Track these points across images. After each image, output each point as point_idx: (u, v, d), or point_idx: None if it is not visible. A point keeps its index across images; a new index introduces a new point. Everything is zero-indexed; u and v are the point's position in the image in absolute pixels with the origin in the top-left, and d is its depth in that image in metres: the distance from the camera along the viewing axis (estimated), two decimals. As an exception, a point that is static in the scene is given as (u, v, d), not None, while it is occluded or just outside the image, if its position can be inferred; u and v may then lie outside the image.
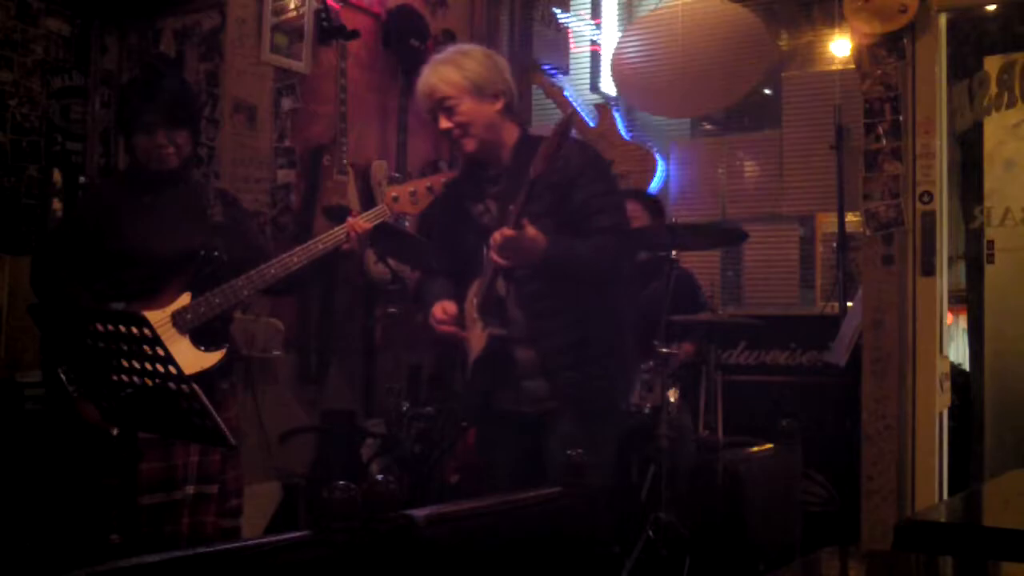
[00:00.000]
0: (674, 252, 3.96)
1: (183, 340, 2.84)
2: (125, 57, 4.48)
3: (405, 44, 4.97)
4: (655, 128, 5.71)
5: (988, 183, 4.98)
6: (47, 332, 2.75)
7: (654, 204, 4.51)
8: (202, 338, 2.89)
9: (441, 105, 2.82)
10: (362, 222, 2.99)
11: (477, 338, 2.84)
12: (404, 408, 4.41)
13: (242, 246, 3.04)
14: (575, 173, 2.77)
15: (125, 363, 2.21)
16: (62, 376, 2.75)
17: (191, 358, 2.79)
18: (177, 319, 2.86)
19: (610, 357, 2.85)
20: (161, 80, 3.13)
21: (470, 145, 2.84)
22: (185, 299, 2.89)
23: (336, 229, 2.99)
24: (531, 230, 2.63)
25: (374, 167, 4.88)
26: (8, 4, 4.10)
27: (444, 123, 2.84)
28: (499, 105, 2.85)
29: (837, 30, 5.12)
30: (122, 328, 2.17)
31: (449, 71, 2.82)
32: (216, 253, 2.95)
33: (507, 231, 2.61)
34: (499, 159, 2.88)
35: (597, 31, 5.85)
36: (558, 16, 5.84)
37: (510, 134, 2.89)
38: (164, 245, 2.93)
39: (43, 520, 3.23)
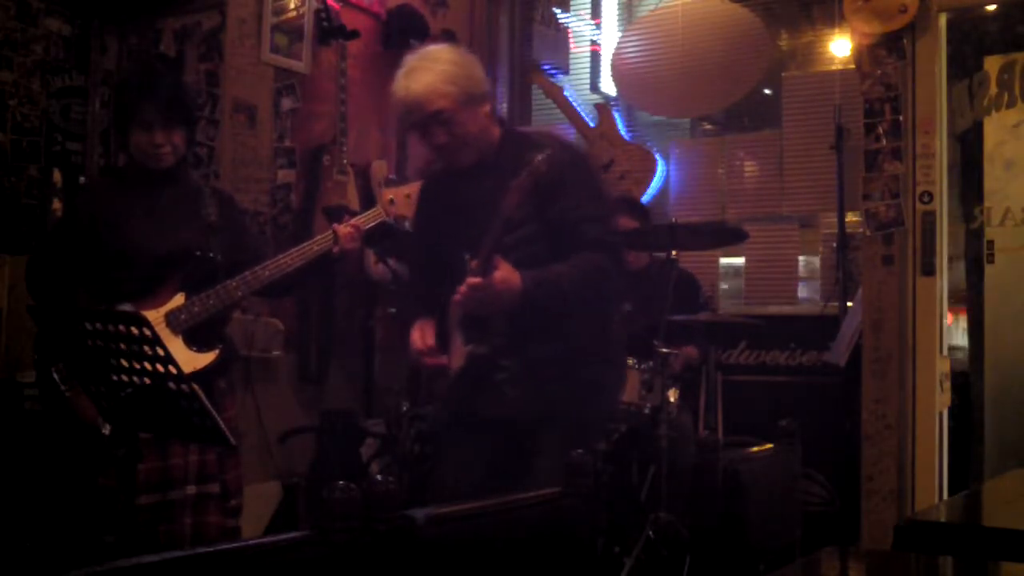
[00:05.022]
0: (674, 252, 3.97)
1: (176, 340, 2.82)
2: (125, 57, 4.47)
3: (405, 44, 4.96)
4: (655, 128, 5.71)
5: (988, 183, 4.98)
6: (46, 332, 2.74)
7: (636, 208, 4.50)
8: (196, 339, 2.87)
9: (437, 119, 2.63)
10: (345, 228, 2.98)
11: (458, 350, 2.68)
12: (404, 408, 4.40)
13: (238, 246, 3.02)
14: (558, 176, 2.55)
15: (124, 363, 2.20)
16: (55, 376, 2.74)
17: (184, 359, 2.75)
18: (171, 319, 2.84)
19: (598, 367, 2.73)
20: (158, 78, 3.11)
21: (468, 156, 2.69)
22: (179, 299, 2.87)
23: (325, 234, 2.98)
24: (502, 271, 2.45)
25: (374, 167, 4.87)
26: (8, 4, 4.10)
27: (441, 137, 2.66)
28: (487, 108, 2.72)
29: (837, 30, 5.11)
30: (121, 328, 2.16)
31: (437, 81, 2.62)
32: (211, 253, 2.94)
33: (473, 281, 2.42)
34: (485, 160, 2.72)
35: (597, 31, 5.85)
36: (558, 16, 5.84)
37: (495, 133, 2.75)
38: (159, 245, 2.91)
39: (42, 520, 3.23)
